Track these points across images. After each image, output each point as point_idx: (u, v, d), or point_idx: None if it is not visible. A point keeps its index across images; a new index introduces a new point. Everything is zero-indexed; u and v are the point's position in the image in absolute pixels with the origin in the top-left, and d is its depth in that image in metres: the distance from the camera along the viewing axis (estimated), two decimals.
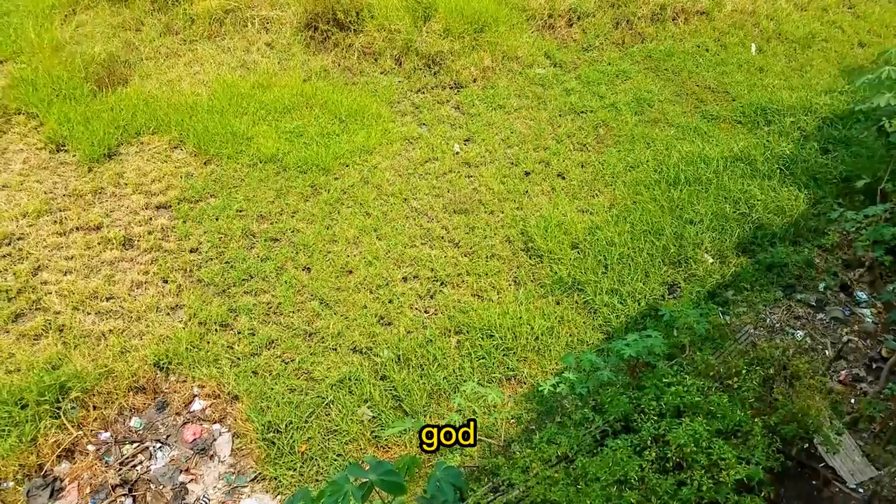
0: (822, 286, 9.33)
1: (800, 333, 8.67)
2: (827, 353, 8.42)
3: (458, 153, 11.40)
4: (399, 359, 8.29)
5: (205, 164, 11.03)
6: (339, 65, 13.10)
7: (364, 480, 2.87)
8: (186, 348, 8.33)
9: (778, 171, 11.06)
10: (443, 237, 9.94)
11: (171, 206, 10.32)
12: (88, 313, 8.73)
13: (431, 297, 9.11)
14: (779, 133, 11.88)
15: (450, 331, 8.65)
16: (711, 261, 9.59)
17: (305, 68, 12.98)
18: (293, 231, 9.95)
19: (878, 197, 9.69)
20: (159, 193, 10.49)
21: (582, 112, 12.32)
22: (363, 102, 12.18)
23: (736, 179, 10.82)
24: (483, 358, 8.33)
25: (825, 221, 10.09)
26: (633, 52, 13.90)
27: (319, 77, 12.84)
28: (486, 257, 9.64)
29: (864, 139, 11.41)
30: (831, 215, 9.93)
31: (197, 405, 8.01)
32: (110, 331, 8.50)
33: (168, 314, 8.82)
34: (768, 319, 8.82)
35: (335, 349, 8.44)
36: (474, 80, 12.89)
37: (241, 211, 10.24)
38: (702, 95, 12.88)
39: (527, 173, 11.07)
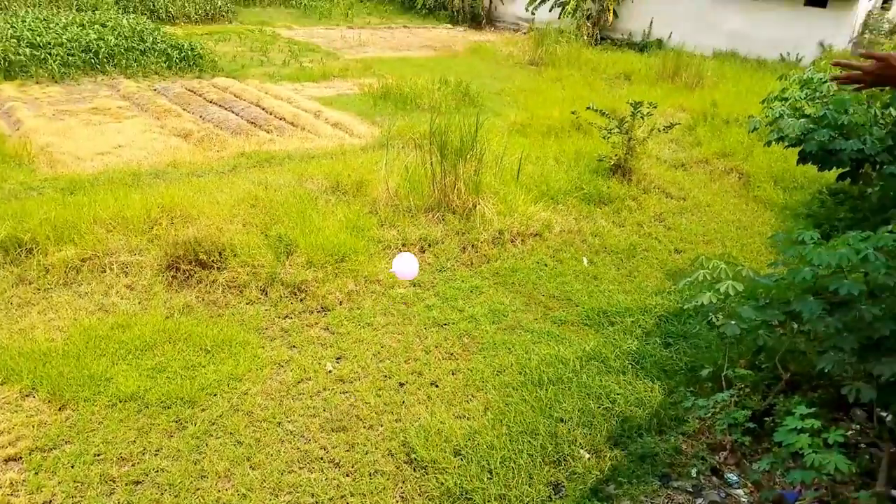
0: (694, 472, 9.57)
1: None
2: None
3: (330, 371, 11.45)
4: None
5: (59, 409, 10.17)
6: (204, 299, 13.17)
7: None
8: None
9: (629, 366, 11.94)
10: (322, 458, 9.62)
11: (21, 458, 9.29)
12: None
13: None
14: (623, 332, 13.02)
15: None
16: (588, 456, 9.78)
17: (168, 306, 12.90)
18: (157, 471, 9.21)
19: (724, 383, 10.32)
20: (8, 445, 9.40)
21: (445, 324, 13.03)
22: (230, 332, 12.14)
23: (593, 376, 11.51)
24: None
25: (683, 409, 10.65)
26: (482, 271, 15.21)
27: (182, 313, 12.76)
28: (370, 474, 9.38)
29: (699, 332, 12.71)
30: (685, 404, 10.43)
31: None
32: None
33: None
34: None
35: None
36: (340, 303, 13.38)
37: (98, 455, 9.40)
38: (548, 304, 14.12)
39: (401, 384, 11.24)
